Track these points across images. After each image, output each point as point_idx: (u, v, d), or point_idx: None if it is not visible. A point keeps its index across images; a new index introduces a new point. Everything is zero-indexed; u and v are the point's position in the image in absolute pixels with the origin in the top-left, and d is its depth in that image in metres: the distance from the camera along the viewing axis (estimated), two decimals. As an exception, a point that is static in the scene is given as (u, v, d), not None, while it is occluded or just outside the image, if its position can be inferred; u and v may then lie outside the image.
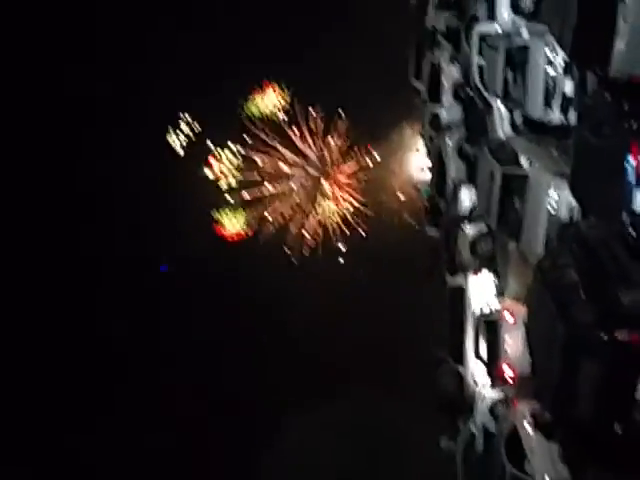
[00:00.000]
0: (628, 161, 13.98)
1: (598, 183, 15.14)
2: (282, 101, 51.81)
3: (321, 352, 42.30)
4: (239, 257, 48.93)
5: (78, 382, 43.76)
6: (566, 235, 16.74)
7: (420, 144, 35.88)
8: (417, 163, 38.90)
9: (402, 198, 48.40)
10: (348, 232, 51.67)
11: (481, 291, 23.74)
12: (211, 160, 52.42)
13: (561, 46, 17.09)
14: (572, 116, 17.98)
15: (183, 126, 51.84)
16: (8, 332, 43.83)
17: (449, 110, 28.33)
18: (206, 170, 52.41)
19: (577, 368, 14.32)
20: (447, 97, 28.55)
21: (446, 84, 28.20)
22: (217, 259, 47.81)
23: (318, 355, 42.20)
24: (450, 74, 27.98)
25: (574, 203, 17.15)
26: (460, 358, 24.60)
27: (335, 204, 52.27)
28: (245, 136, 52.29)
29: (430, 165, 30.52)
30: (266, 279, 46.18)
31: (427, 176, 32.62)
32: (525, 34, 19.02)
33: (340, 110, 50.70)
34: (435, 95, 29.16)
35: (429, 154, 31.12)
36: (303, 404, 40.18)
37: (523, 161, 18.72)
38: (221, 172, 52.54)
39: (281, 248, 51.54)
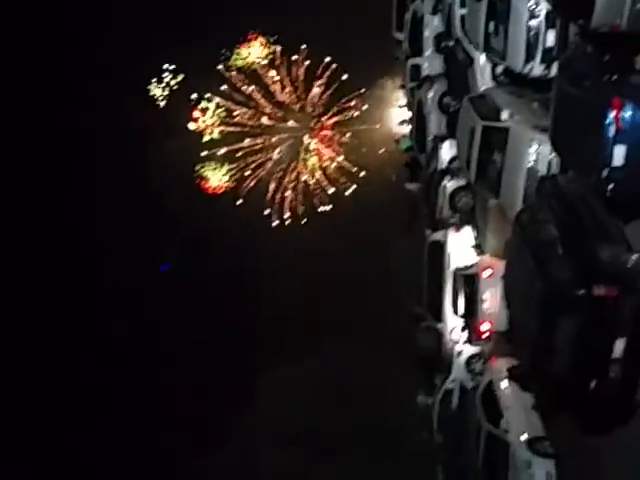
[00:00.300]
0: (608, 115, 13.77)
1: (578, 136, 14.90)
2: (266, 52, 51.13)
3: (304, 309, 42.32)
4: (222, 214, 48.56)
5: (78, 382, 43.92)
6: (545, 189, 16.56)
7: (402, 97, 35.61)
8: (398, 116, 38.51)
9: (382, 151, 48.01)
10: (330, 187, 51.35)
11: (460, 246, 23.61)
12: (195, 113, 51.78)
13: (543, -4, 16.81)
14: (554, 69, 17.70)
15: (167, 79, 51.07)
16: (8, 332, 43.72)
17: (430, 62, 27.99)
18: (190, 123, 51.78)
19: (554, 323, 14.24)
20: (429, 49, 28.22)
21: (428, 35, 27.82)
22: (200, 217, 47.39)
23: (299, 312, 42.25)
24: (432, 25, 27.60)
25: (554, 157, 16.97)
26: (438, 314, 24.58)
27: (318, 158, 51.93)
28: (227, 88, 51.58)
29: (410, 118, 30.24)
30: (245, 235, 46.00)
31: (407, 129, 32.44)
32: (507, -16, 18.61)
33: (325, 60, 49.98)
34: (417, 47, 28.81)
35: (410, 107, 30.83)
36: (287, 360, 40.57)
37: (504, 114, 18.43)
38: (205, 125, 51.91)
39: (262, 204, 51.22)
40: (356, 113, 50.30)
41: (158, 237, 46.50)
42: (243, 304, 44.24)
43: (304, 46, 49.53)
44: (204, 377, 43.05)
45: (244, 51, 50.98)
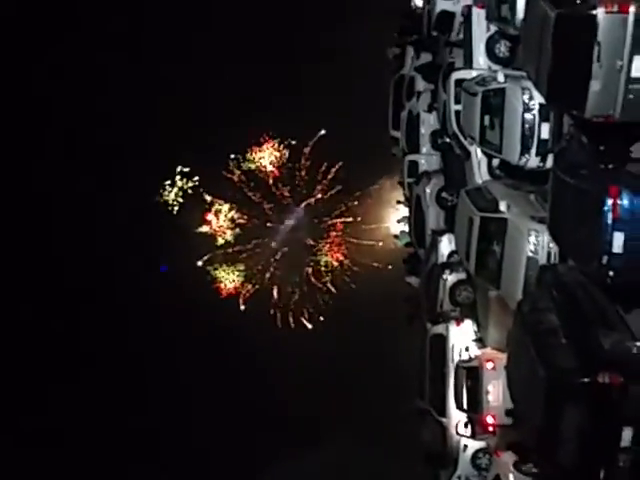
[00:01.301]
0: (606, 203, 13.89)
1: (576, 225, 15.01)
2: (275, 156, 51.77)
3: (304, 404, 42.04)
4: (228, 313, 48.79)
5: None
6: (545, 278, 16.59)
7: (399, 194, 35.97)
8: (396, 213, 38.91)
9: (381, 247, 48.30)
10: (333, 287, 51.48)
11: (461, 339, 23.48)
12: (208, 216, 52.20)
13: (537, 89, 17.13)
14: (549, 160, 17.95)
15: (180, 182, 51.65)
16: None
17: (427, 158, 28.51)
18: (203, 226, 52.18)
19: (559, 412, 14.04)
20: (425, 146, 28.69)
21: (424, 132, 28.32)
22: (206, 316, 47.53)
23: (300, 408, 41.96)
24: (428, 123, 28.16)
25: (552, 246, 17.05)
26: (442, 408, 24.28)
27: (327, 257, 51.99)
28: (236, 191, 52.19)
29: (409, 213, 30.47)
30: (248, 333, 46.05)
31: (406, 225, 32.64)
32: (501, 79, 19.04)
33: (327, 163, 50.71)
34: (413, 144, 29.30)
35: (408, 203, 31.10)
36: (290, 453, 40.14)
37: (502, 205, 18.61)
38: (218, 227, 52.27)
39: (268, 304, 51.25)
40: (356, 212, 50.66)
41: (167, 335, 46.40)
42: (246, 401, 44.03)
43: (307, 148, 50.29)
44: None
45: (255, 155, 51.63)
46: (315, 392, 42.17)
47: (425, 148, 28.78)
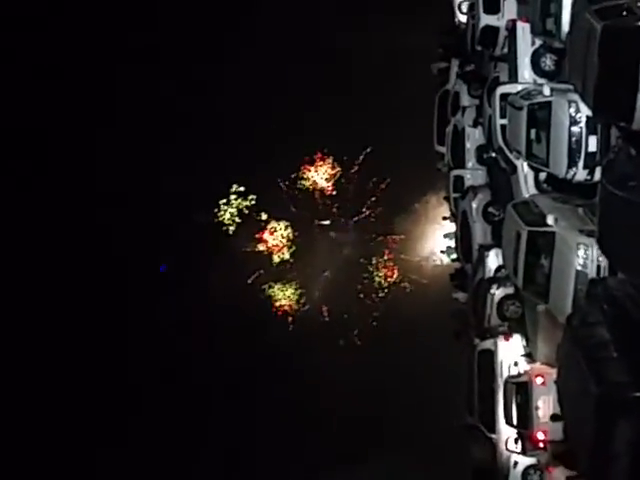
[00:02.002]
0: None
1: (626, 237, 14.86)
2: (329, 173, 51.96)
3: (352, 418, 42.09)
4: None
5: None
6: (595, 292, 16.40)
7: (445, 210, 35.88)
8: (442, 229, 38.82)
9: (430, 264, 48.10)
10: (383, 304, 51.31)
11: (510, 354, 23.28)
12: (264, 235, 52.51)
13: (584, 102, 17.03)
14: (597, 173, 17.81)
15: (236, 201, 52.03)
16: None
17: (473, 173, 28.36)
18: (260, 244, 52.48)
19: (612, 428, 13.86)
20: (471, 160, 28.59)
21: (469, 147, 28.22)
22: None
23: (348, 420, 42.05)
24: (473, 137, 28.06)
25: (602, 260, 16.87)
26: (491, 424, 24.07)
27: (379, 274, 51.87)
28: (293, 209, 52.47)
29: (455, 229, 30.37)
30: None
31: (452, 240, 32.54)
32: (547, 92, 18.94)
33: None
34: (459, 159, 29.21)
35: (454, 218, 31.00)
36: (336, 468, 40.08)
37: (549, 219, 18.46)
38: (274, 246, 52.51)
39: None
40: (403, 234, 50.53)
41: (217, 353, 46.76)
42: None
43: (355, 166, 50.46)
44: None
45: (308, 173, 51.85)
46: (363, 409, 42.15)
47: (471, 163, 28.61)
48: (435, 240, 45.22)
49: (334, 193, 51.94)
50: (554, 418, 19.62)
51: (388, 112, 43.72)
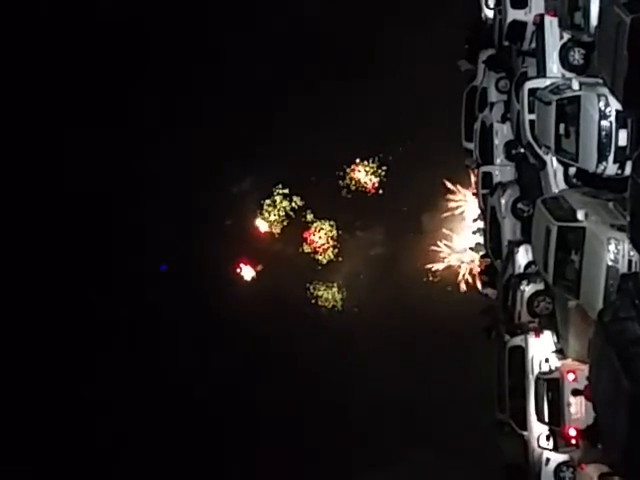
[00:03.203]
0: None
1: (658, 232, 14.72)
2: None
3: (383, 418, 42.24)
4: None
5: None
6: (626, 287, 16.25)
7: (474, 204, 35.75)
8: (471, 224, 38.70)
9: (457, 261, 47.84)
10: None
11: (541, 350, 23.15)
12: (310, 235, 52.61)
13: (614, 96, 16.88)
14: (627, 167, 17.63)
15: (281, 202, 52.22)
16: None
17: (502, 169, 28.23)
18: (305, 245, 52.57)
19: (645, 424, 13.74)
20: (499, 156, 28.45)
21: (498, 143, 28.08)
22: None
23: (380, 421, 42.18)
24: (501, 133, 27.92)
25: (633, 254, 16.70)
26: (523, 421, 23.95)
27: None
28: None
29: (484, 225, 30.24)
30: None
31: (481, 237, 32.42)
32: (576, 86, 18.78)
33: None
34: (487, 155, 29.07)
35: (483, 214, 30.87)
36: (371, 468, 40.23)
37: (579, 214, 18.30)
38: (320, 246, 52.60)
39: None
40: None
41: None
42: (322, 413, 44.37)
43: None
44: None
45: (353, 174, 51.86)
46: (395, 407, 42.21)
47: (499, 159, 28.49)
48: (465, 237, 45.11)
49: (380, 192, 51.83)
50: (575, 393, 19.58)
51: (416, 109, 43.82)
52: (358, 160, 51.12)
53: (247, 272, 51.77)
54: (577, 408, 20.28)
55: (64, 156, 47.67)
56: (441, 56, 39.24)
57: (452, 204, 46.42)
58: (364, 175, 51.27)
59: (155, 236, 48.29)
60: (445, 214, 47.44)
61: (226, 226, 50.82)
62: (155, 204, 48.08)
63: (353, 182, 51.57)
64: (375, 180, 51.37)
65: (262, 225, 52.37)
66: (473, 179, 33.92)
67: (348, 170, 51.32)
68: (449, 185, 45.32)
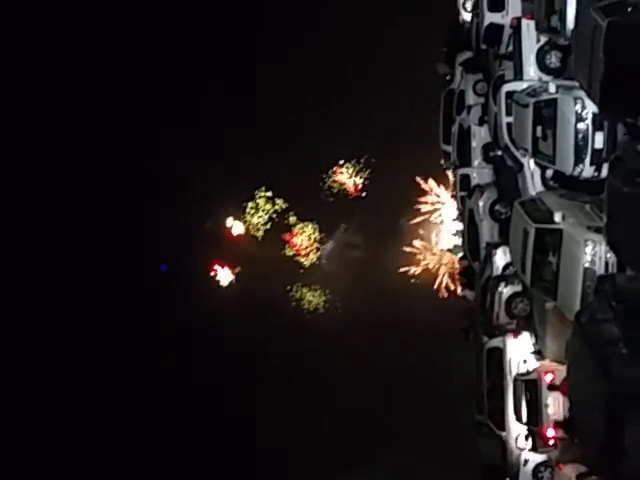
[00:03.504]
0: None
1: (634, 233, 14.83)
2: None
3: (359, 419, 42.31)
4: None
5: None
6: (603, 289, 16.36)
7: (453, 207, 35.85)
8: (448, 227, 38.81)
9: (436, 263, 47.98)
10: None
11: (519, 352, 23.22)
12: (292, 238, 52.51)
13: (590, 99, 17.00)
14: (604, 170, 17.77)
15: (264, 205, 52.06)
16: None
17: (479, 171, 28.31)
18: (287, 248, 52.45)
19: (622, 424, 13.83)
20: (477, 159, 28.55)
21: (475, 146, 28.17)
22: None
23: (356, 422, 42.25)
24: (479, 136, 28.01)
25: (610, 256, 16.83)
26: (501, 422, 24.02)
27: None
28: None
29: (462, 227, 30.31)
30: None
31: (459, 239, 32.48)
32: (553, 89, 18.88)
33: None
34: (465, 157, 29.16)
35: (461, 216, 30.94)
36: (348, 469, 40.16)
37: (557, 216, 18.42)
38: (303, 249, 52.50)
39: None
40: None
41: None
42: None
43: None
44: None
45: (338, 176, 51.88)
46: (372, 408, 42.29)
47: (477, 161, 28.58)
48: (444, 239, 45.24)
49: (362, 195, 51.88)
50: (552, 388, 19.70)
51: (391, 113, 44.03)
52: (341, 162, 51.25)
53: (225, 275, 51.67)
54: (555, 409, 20.36)
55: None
56: (418, 59, 39.40)
57: (426, 206, 46.66)
58: (347, 177, 51.40)
59: (139, 238, 48.24)
60: (423, 217, 47.69)
61: (205, 229, 50.74)
62: (136, 205, 48.01)
63: (336, 184, 51.71)
64: (358, 182, 51.56)
65: (243, 228, 52.31)
66: (452, 181, 34.01)
67: (330, 172, 51.46)
68: (423, 185, 45.49)
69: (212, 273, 52.00)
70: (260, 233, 52.51)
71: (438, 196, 45.74)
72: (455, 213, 35.25)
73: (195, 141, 48.63)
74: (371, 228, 50.82)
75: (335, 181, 51.77)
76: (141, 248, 49.08)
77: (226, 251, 52.07)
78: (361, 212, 51.79)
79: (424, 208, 46.99)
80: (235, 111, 48.30)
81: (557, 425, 20.12)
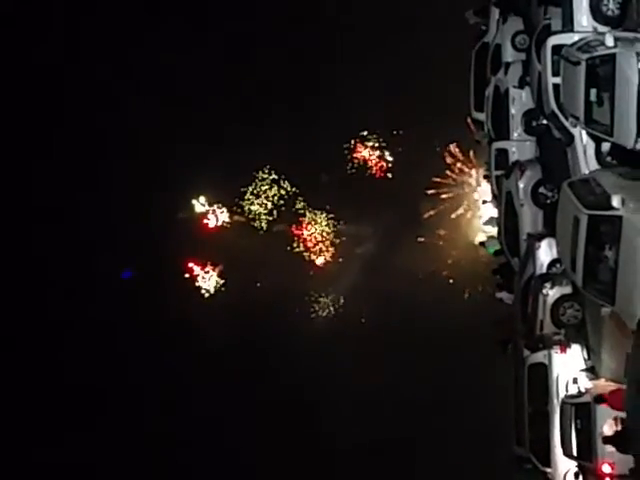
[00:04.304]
0: None
1: None
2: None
3: (382, 441, 42.86)
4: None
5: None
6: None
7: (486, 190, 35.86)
8: (482, 213, 38.85)
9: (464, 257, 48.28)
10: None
11: (568, 369, 23.27)
12: (302, 231, 52.73)
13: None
14: (673, 143, 17.66)
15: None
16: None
17: (519, 145, 28.26)
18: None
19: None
20: (516, 130, 28.50)
21: (515, 113, 28.11)
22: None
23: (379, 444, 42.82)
24: (519, 101, 27.96)
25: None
26: (545, 456, 24.09)
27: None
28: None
29: (498, 215, 30.30)
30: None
31: (494, 228, 32.50)
32: (610, 43, 18.73)
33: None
34: (502, 128, 29.11)
35: (496, 201, 30.93)
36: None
37: (614, 200, 18.26)
38: (314, 244, 52.73)
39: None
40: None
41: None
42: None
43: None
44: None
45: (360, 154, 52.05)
46: (395, 437, 42.76)
47: (516, 133, 28.59)
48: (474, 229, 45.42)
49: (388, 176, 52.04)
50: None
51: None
52: (363, 135, 51.25)
53: (210, 279, 51.75)
54: (612, 439, 20.35)
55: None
56: (446, 6, 39.52)
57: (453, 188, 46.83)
58: (369, 154, 51.44)
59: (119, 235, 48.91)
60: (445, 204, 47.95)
61: (179, 219, 51.01)
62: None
63: (357, 163, 51.76)
64: (382, 160, 51.62)
65: (237, 218, 52.42)
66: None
67: (350, 149, 51.49)
68: (451, 160, 45.60)
69: (190, 275, 52.06)
70: (262, 224, 52.54)
71: (470, 175, 45.94)
72: (488, 197, 35.22)
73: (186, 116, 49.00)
74: (395, 219, 51.06)
75: (355, 159, 51.86)
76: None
77: (212, 249, 52.19)
78: (385, 198, 51.88)
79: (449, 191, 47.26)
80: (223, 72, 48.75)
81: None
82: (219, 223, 52.83)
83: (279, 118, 49.16)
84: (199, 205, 52.28)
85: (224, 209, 52.90)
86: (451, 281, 49.12)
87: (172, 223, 51.94)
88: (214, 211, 52.76)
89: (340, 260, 53.04)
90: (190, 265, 51.97)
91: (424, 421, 43.14)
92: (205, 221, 52.66)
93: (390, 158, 51.89)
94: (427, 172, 48.32)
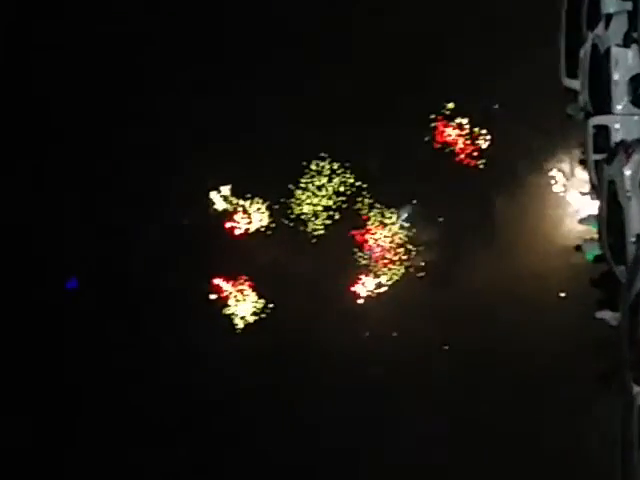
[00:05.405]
0: None
1: None
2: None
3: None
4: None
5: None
6: None
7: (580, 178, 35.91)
8: (576, 208, 38.89)
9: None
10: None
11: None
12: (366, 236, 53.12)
13: None
14: None
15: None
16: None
17: (625, 121, 28.38)
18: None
19: None
20: (621, 101, 28.61)
21: (618, 79, 28.23)
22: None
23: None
24: (624, 64, 28.06)
25: None
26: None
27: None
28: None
29: (598, 211, 30.39)
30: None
31: (594, 228, 32.55)
32: None
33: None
34: (602, 99, 29.24)
35: (596, 193, 31.02)
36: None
37: None
38: (381, 254, 52.95)
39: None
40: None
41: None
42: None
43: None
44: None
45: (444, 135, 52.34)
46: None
47: (621, 104, 28.72)
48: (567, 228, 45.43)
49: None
50: None
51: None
52: (448, 109, 51.38)
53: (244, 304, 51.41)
54: None
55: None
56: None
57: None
58: (457, 135, 51.55)
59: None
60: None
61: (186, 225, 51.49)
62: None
63: (440, 146, 51.94)
64: (474, 144, 51.73)
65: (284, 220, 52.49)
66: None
67: (431, 128, 51.65)
68: None
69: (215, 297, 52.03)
70: (315, 227, 52.51)
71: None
72: (585, 188, 35.25)
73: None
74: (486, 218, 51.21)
75: (438, 142, 51.95)
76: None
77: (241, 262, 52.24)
78: (474, 194, 52.05)
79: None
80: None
81: None
82: (253, 226, 52.70)
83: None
84: (220, 200, 51.99)
85: (262, 206, 52.60)
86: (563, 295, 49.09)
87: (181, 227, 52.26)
88: (245, 210, 52.48)
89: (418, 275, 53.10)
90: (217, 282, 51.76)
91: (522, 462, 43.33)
92: (230, 224, 52.42)
93: (481, 141, 51.91)
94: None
